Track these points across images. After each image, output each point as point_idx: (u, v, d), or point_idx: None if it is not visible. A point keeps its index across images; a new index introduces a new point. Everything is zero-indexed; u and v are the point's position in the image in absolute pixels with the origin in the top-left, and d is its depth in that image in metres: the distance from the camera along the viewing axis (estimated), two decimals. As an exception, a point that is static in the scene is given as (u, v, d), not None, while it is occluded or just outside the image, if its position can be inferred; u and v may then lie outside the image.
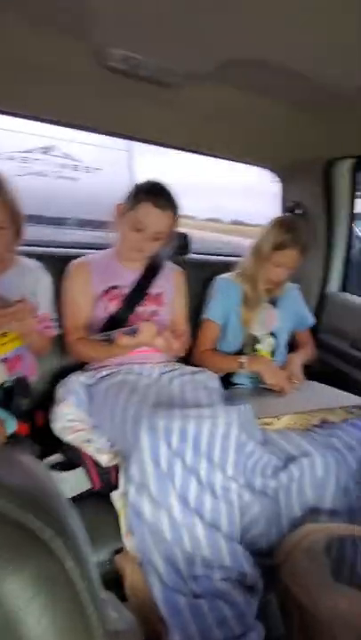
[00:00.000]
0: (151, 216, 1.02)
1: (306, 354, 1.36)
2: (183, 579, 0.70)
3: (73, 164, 5.68)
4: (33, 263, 1.02)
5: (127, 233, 1.05)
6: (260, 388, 1.28)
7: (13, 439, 0.88)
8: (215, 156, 1.47)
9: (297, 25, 0.69)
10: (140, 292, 1.11)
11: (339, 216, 1.50)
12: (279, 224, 1.22)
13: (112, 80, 0.93)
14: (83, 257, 1.12)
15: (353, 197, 1.49)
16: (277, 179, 1.62)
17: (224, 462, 0.79)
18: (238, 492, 0.78)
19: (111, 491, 0.82)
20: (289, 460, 0.91)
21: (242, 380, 1.29)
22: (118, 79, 0.92)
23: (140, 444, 0.75)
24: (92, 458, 0.85)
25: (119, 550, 0.77)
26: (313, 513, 0.88)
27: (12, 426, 0.88)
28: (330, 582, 0.73)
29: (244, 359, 1.16)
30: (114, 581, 0.74)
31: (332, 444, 0.96)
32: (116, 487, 0.81)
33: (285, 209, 1.61)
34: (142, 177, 1.14)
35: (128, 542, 0.76)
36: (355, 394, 1.16)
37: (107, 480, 0.84)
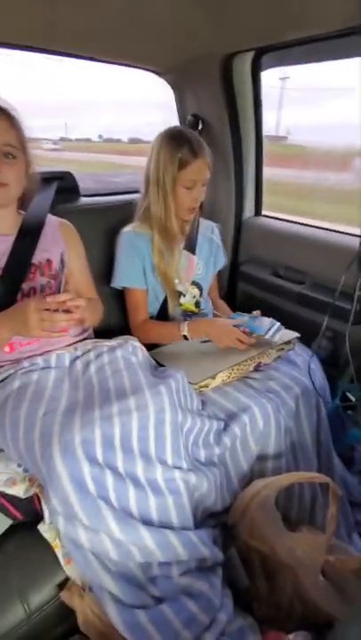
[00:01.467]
0: None
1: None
2: (141, 587, 0.65)
3: None
4: None
5: None
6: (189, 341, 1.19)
7: None
8: (79, 56, 1.11)
9: None
10: (20, 263, 0.85)
11: (245, 128, 1.30)
12: (168, 140, 1.01)
13: None
14: None
15: (259, 103, 1.28)
16: (169, 86, 1.33)
17: (162, 453, 0.70)
18: (183, 477, 0.71)
19: (40, 519, 0.69)
20: (230, 417, 0.87)
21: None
22: None
23: (56, 472, 0.61)
24: (3, 492, 0.68)
25: (63, 583, 0.67)
26: (259, 462, 0.87)
27: None
28: (283, 531, 0.74)
29: (185, 330, 1.02)
30: (63, 619, 0.65)
31: (270, 388, 0.93)
32: (43, 516, 0.68)
33: (184, 125, 1.35)
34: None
35: (70, 571, 0.67)
36: (282, 323, 1.13)
37: (30, 510, 0.70)
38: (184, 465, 0.73)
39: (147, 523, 0.66)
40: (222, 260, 1.28)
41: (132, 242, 1.08)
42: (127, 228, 1.10)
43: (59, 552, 0.67)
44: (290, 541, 0.73)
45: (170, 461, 0.71)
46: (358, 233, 1.07)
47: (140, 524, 0.64)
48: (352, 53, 1.08)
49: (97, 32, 0.99)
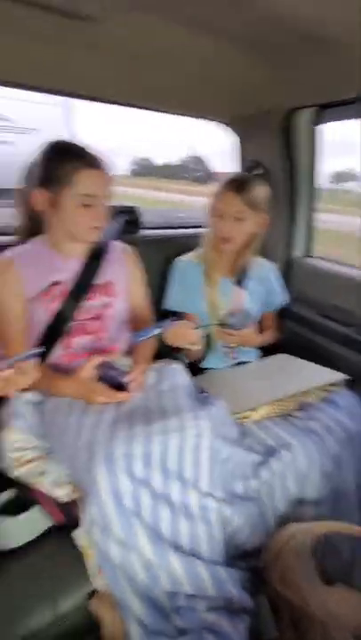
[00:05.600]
0: (96, 181, 0.86)
1: (264, 339, 1.29)
2: (165, 615, 0.64)
3: (3, 125, 4.97)
4: None
5: (76, 214, 0.86)
6: (233, 369, 1.20)
7: None
8: (156, 110, 1.26)
9: None
10: (85, 283, 0.95)
11: (301, 175, 1.37)
12: (225, 179, 1.13)
13: (11, 12, 0.71)
14: (6, 253, 0.91)
15: (315, 153, 1.36)
16: (234, 135, 1.45)
17: (197, 478, 0.71)
18: (217, 508, 0.71)
19: (77, 525, 0.71)
20: (269, 452, 0.86)
21: (211, 363, 1.21)
22: (18, 9, 0.70)
23: (97, 481, 0.64)
24: (47, 494, 0.73)
25: (93, 592, 0.68)
26: (297, 506, 0.84)
27: None
28: (318, 582, 0.70)
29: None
30: (90, 630, 0.65)
31: (312, 428, 0.91)
32: (80, 523, 0.71)
33: (244, 169, 1.46)
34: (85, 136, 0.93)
35: (100, 582, 0.68)
36: (327, 364, 1.12)
37: (70, 515, 0.73)
38: (218, 494, 0.73)
39: (177, 547, 0.66)
40: (278, 302, 1.32)
41: (184, 269, 1.16)
42: (183, 257, 1.19)
43: (91, 561, 0.68)
44: (324, 594, 0.69)
45: (205, 488, 0.72)
46: None
47: (170, 548, 0.65)
48: None
49: (172, 88, 1.13)
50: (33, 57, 0.89)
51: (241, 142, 1.45)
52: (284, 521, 0.81)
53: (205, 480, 0.72)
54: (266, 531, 0.80)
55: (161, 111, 1.26)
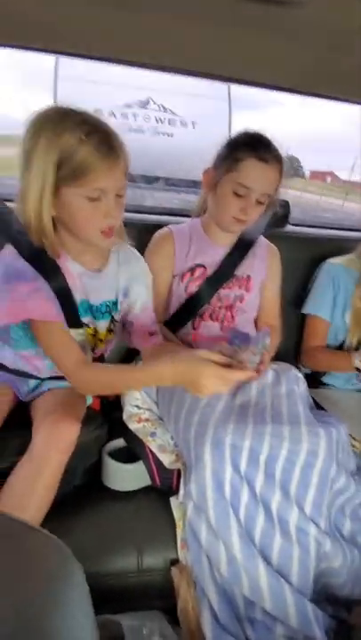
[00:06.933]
0: (257, 174, 0.84)
1: None
2: (238, 619, 0.62)
3: (169, 118, 5.42)
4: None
5: (226, 200, 0.87)
6: (358, 393, 1.07)
7: (87, 412, 0.86)
8: (332, 98, 1.16)
9: None
10: (226, 272, 0.96)
11: None
12: None
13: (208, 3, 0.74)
14: (167, 227, 0.98)
15: None
16: None
17: (302, 498, 0.66)
18: (317, 537, 0.64)
19: (173, 492, 0.75)
20: (391, 500, 0.73)
21: (333, 380, 1.09)
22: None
23: (202, 462, 0.65)
24: (155, 455, 0.78)
25: (176, 560, 0.71)
26: None
27: (89, 398, 0.87)
28: None
29: (358, 362, 0.94)
30: (167, 594, 0.68)
31: None
32: (177, 491, 0.74)
33: None
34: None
35: (183, 555, 0.70)
36: None
37: (168, 482, 0.77)
38: (322, 524, 0.66)
39: (266, 559, 0.63)
40: None
41: (335, 274, 1.06)
42: (335, 260, 1.08)
43: (178, 533, 0.71)
44: None
45: (307, 511, 0.66)
46: None
47: (260, 555, 0.62)
48: None
49: (338, 68, 1.01)
50: (229, 46, 0.91)
51: None
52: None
53: (310, 503, 0.66)
54: None
55: (341, 99, 1.15)
